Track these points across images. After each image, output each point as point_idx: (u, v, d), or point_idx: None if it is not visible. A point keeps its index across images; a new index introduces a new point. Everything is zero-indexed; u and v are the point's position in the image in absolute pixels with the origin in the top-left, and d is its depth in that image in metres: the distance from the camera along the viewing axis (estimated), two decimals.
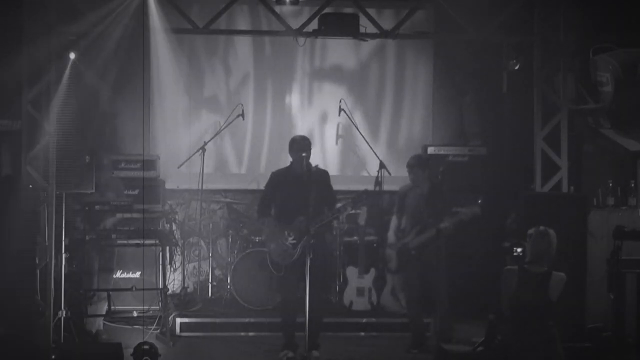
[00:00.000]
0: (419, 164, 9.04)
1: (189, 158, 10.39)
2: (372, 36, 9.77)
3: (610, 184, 9.79)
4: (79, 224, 9.32)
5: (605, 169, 10.17)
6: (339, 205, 8.64)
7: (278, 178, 8.65)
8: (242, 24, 9.97)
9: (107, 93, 10.90)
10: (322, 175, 8.65)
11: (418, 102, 11.49)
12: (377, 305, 10.08)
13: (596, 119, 10.17)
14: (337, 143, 11.44)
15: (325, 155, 11.33)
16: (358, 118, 11.23)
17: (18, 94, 9.02)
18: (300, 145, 8.49)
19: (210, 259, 10.52)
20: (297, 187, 8.43)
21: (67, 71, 9.31)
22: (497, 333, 7.26)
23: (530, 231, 6.87)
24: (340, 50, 11.37)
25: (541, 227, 6.85)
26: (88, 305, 9.31)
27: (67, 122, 9.00)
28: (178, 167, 10.50)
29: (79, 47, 9.27)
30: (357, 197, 8.85)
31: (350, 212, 10.53)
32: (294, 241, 8.41)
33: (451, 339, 8.87)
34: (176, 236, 10.08)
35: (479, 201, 8.78)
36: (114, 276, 9.91)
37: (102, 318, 9.47)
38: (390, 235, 9.12)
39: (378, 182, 10.18)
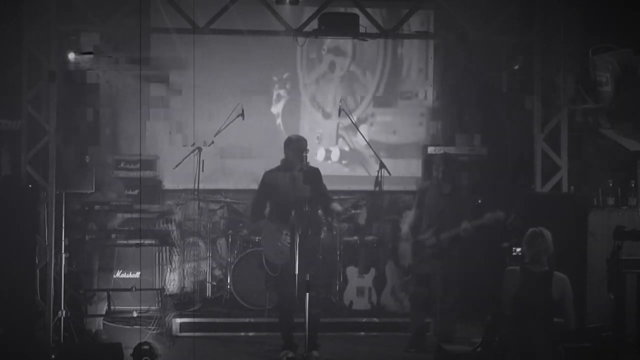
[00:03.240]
0: (446, 162, 9.01)
1: (185, 158, 10.38)
2: (372, 36, 9.77)
3: (610, 184, 9.78)
4: (79, 224, 9.31)
5: (605, 169, 10.16)
6: (339, 208, 8.64)
7: (272, 178, 8.63)
8: (242, 24, 9.96)
9: (107, 92, 10.91)
10: (314, 172, 8.62)
11: (418, 102, 11.49)
12: (377, 305, 10.08)
13: (596, 119, 10.16)
14: (337, 143, 11.45)
15: (325, 155, 11.34)
16: (358, 118, 11.25)
17: (18, 94, 9.01)
18: (299, 145, 8.48)
19: (210, 259, 10.52)
20: (292, 186, 8.44)
21: (67, 71, 9.32)
22: (497, 333, 7.25)
23: (527, 234, 6.87)
24: (340, 50, 11.38)
25: (535, 229, 6.85)
26: (88, 305, 9.32)
27: (67, 122, 9.00)
28: (174, 168, 10.47)
29: (79, 47, 9.27)
30: (356, 202, 8.86)
31: (350, 212, 10.59)
32: (289, 238, 8.40)
33: (451, 339, 8.87)
34: (175, 236, 10.08)
35: (498, 211, 8.74)
36: (114, 276, 9.91)
37: (102, 318, 9.48)
38: (405, 228, 9.05)
39: (378, 182, 10.18)
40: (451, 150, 10.67)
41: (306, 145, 8.53)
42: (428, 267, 8.86)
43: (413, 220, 9.04)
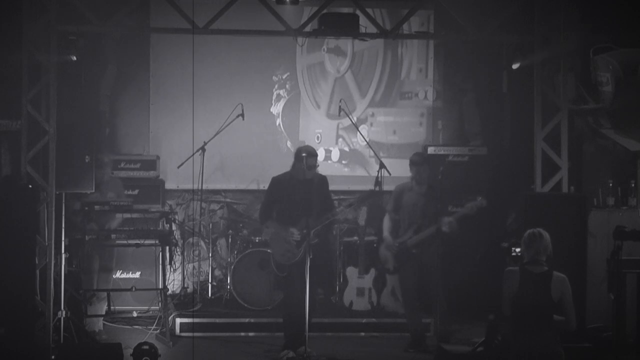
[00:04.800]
0: (424, 161, 9.06)
1: (189, 158, 10.40)
2: (372, 36, 9.77)
3: (610, 184, 9.78)
4: (79, 224, 9.30)
5: (605, 169, 10.16)
6: (340, 208, 8.74)
7: (280, 183, 8.71)
8: (242, 24, 9.97)
9: (107, 92, 10.91)
10: (322, 180, 8.78)
11: (418, 102, 11.49)
12: (377, 305, 10.08)
13: (596, 119, 10.16)
14: (337, 143, 11.45)
15: (325, 155, 11.34)
16: (358, 118, 11.26)
17: (18, 94, 9.01)
18: (309, 161, 8.59)
19: (210, 259, 10.52)
20: (300, 191, 8.53)
21: (67, 71, 9.32)
22: (497, 333, 7.26)
23: (525, 234, 6.87)
24: (340, 50, 11.39)
25: (534, 229, 6.84)
26: (88, 305, 9.33)
27: (67, 122, 9.00)
28: (178, 167, 10.51)
29: (79, 47, 9.27)
30: (358, 200, 8.92)
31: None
32: (298, 238, 8.46)
33: (451, 339, 8.87)
34: (176, 236, 10.09)
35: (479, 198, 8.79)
36: (114, 276, 9.91)
37: (102, 318, 9.48)
38: (387, 236, 9.10)
39: (378, 182, 10.17)
40: (451, 150, 10.68)
41: (316, 160, 8.64)
42: (412, 267, 8.89)
43: (391, 224, 9.08)
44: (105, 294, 9.36)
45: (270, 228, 8.76)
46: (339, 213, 8.87)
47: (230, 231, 10.60)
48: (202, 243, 10.73)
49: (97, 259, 9.44)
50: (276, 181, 8.78)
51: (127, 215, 9.64)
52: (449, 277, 9.08)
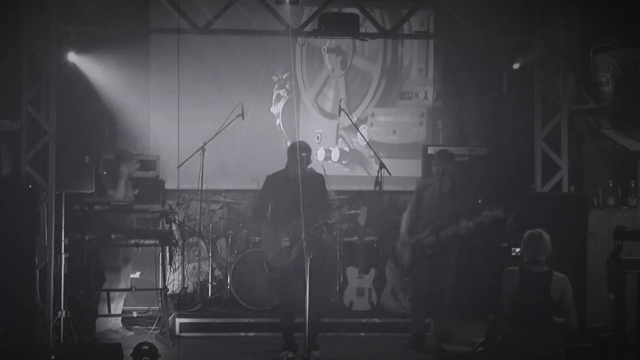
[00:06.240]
0: (448, 158, 8.99)
1: (189, 158, 10.40)
2: (372, 36, 9.77)
3: (610, 184, 9.78)
4: (79, 224, 9.30)
5: (605, 169, 10.17)
6: (333, 220, 8.69)
7: (274, 181, 8.65)
8: (242, 24, 9.97)
9: (107, 93, 10.91)
10: (318, 178, 8.69)
11: (418, 102, 11.49)
12: (377, 305, 10.08)
13: (596, 118, 10.16)
14: (337, 143, 11.46)
15: (325, 155, 11.34)
16: (358, 118, 11.25)
17: (18, 94, 9.01)
18: (302, 154, 8.49)
19: (210, 259, 10.52)
20: (294, 190, 8.44)
21: (67, 71, 9.32)
22: (497, 333, 7.25)
23: (525, 235, 6.87)
24: (340, 50, 11.39)
25: (533, 230, 6.84)
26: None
27: (67, 122, 9.00)
28: (178, 167, 10.50)
29: (79, 47, 9.27)
30: (353, 198, 8.88)
31: (350, 212, 10.59)
32: (288, 244, 8.40)
33: (451, 339, 8.86)
34: (176, 236, 10.08)
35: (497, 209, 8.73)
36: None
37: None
38: (404, 233, 9.03)
39: (378, 182, 10.17)
40: (451, 150, 10.64)
41: (309, 154, 8.55)
42: (427, 266, 8.85)
43: (409, 220, 9.03)
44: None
45: (264, 229, 8.70)
46: (333, 216, 8.76)
47: (230, 231, 10.59)
48: (202, 243, 10.73)
49: (98, 259, 9.44)
50: (270, 180, 8.68)
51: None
52: (448, 275, 9.05)
